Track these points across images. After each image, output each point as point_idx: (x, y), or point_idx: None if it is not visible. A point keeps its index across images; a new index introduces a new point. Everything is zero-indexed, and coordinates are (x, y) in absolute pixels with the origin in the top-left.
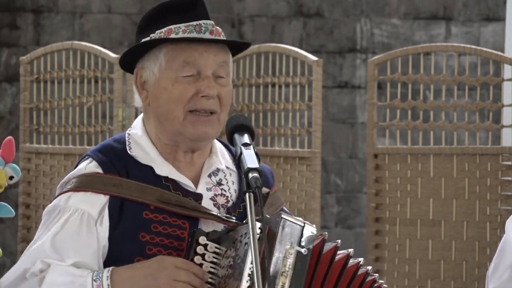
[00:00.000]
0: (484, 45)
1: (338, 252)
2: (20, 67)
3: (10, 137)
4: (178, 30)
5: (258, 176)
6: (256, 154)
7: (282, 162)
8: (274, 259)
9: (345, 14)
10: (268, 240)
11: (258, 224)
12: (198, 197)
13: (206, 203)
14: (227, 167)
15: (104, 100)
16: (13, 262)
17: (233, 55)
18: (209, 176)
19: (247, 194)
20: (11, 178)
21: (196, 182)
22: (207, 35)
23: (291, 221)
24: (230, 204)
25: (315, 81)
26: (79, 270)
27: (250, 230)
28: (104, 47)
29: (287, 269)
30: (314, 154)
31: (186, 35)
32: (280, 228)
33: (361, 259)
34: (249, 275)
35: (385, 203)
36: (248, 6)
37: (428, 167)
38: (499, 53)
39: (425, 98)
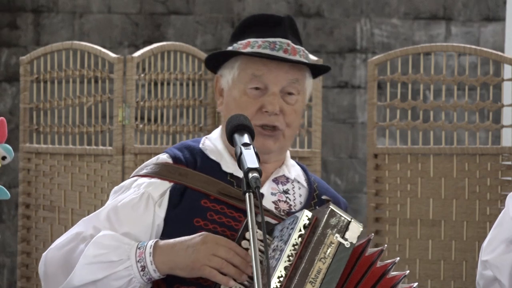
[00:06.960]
0: (484, 45)
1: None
2: (20, 67)
3: (1, 117)
4: (255, 44)
5: (258, 176)
6: (256, 154)
7: None
8: (314, 244)
9: (345, 14)
10: (313, 227)
11: (308, 213)
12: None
13: (267, 205)
14: (297, 181)
15: (104, 100)
16: (13, 262)
17: (315, 75)
18: (276, 182)
19: (246, 194)
20: (3, 158)
21: (262, 185)
22: (280, 53)
23: (338, 213)
24: (292, 212)
25: (315, 81)
26: (127, 239)
27: (250, 230)
28: (104, 47)
29: (326, 256)
30: (314, 154)
31: (260, 50)
32: (327, 216)
33: (407, 272)
34: (288, 256)
35: (385, 203)
36: (248, 6)
37: (428, 167)
38: (499, 53)
39: (425, 98)
